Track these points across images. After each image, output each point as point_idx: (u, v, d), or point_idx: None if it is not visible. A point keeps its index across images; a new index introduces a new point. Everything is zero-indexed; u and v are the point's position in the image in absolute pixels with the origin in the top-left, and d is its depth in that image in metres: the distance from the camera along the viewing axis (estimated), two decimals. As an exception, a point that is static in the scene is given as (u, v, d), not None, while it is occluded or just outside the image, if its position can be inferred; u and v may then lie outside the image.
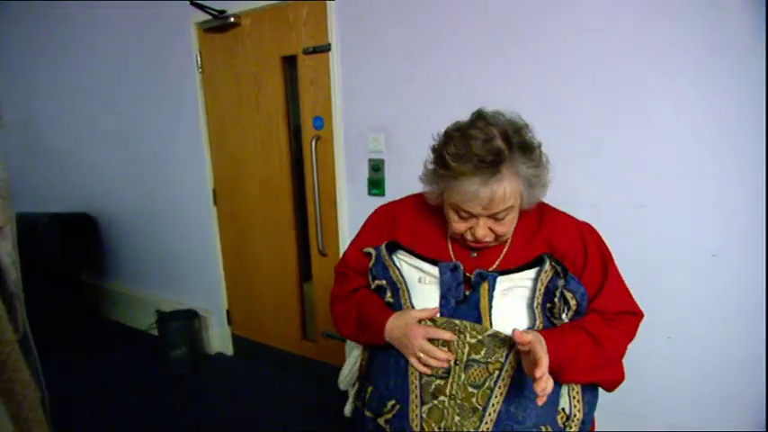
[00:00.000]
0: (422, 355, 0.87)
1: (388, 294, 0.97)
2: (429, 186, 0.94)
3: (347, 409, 1.10)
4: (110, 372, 2.63)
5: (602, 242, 0.96)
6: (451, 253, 0.97)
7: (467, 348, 0.87)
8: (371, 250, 1.01)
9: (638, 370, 1.35)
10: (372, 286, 1.00)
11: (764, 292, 1.22)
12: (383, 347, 0.96)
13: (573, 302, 0.89)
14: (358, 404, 1.02)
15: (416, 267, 0.96)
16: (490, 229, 0.89)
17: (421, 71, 1.73)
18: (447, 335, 0.87)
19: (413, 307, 0.93)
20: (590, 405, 0.93)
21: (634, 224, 1.41)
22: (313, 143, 2.05)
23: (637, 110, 1.34)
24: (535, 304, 0.88)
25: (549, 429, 0.88)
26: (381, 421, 0.93)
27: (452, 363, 0.88)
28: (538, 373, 0.76)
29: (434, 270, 0.93)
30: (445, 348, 0.88)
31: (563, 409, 0.91)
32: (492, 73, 1.60)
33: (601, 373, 0.88)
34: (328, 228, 2.15)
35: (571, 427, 0.90)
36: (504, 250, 0.95)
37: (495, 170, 0.82)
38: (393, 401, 0.92)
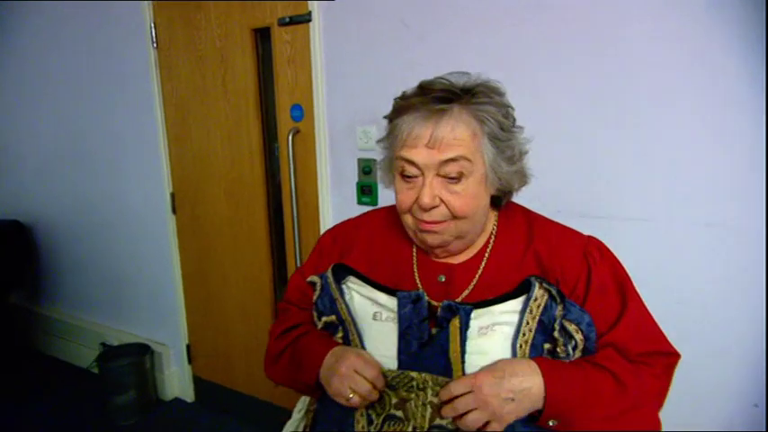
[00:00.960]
0: (348, 392, 0.85)
1: (339, 334, 0.95)
2: (384, 170, 0.95)
3: None
4: (38, 421, 2.59)
5: (617, 263, 0.93)
6: (417, 277, 0.95)
7: (428, 411, 0.82)
8: (316, 279, 0.99)
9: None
10: (319, 326, 0.98)
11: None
12: (330, 409, 0.93)
13: (578, 336, 0.84)
14: None
15: (370, 299, 0.93)
16: (441, 200, 0.86)
17: (423, 47, 1.70)
18: (378, 380, 0.85)
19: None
20: None
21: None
22: (290, 138, 2.02)
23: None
24: (519, 344, 0.83)
25: None
26: None
27: (409, 429, 0.84)
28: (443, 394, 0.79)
29: (392, 302, 0.90)
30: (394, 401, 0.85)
31: None
32: (515, 46, 1.54)
33: (626, 420, 0.81)
34: (309, 244, 2.10)
35: None
36: (480, 269, 0.92)
37: (444, 105, 0.84)
38: None
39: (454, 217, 0.87)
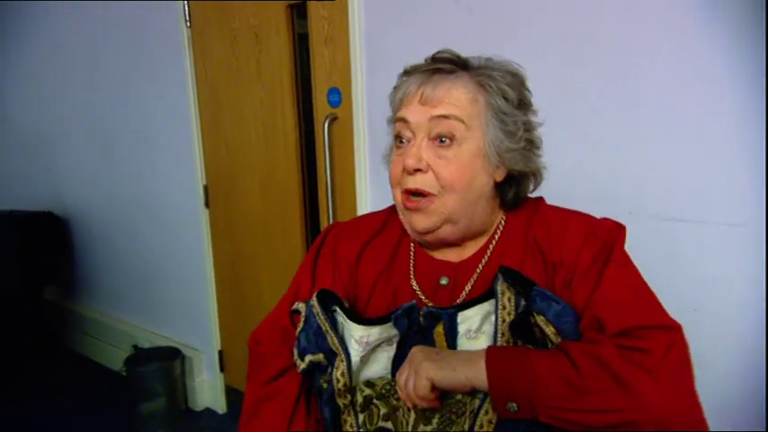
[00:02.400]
0: None
1: (324, 377, 0.91)
2: (386, 153, 0.99)
3: None
4: (64, 421, 2.72)
5: (619, 242, 0.88)
6: (415, 283, 0.94)
7: (413, 417, 0.83)
8: (302, 306, 0.95)
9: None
10: (301, 367, 0.92)
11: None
12: None
13: (549, 329, 0.81)
14: None
15: (357, 342, 0.89)
16: (429, 166, 0.87)
17: (472, 21, 1.64)
18: None
19: (350, 383, 0.88)
20: None
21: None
22: (326, 126, 2.00)
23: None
24: (499, 344, 0.83)
25: None
26: None
27: None
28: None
29: (386, 331, 0.88)
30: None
31: None
32: (570, 20, 1.46)
33: (591, 402, 0.74)
34: (346, 246, 2.07)
35: None
36: (480, 266, 0.92)
37: (448, 66, 0.89)
38: None
39: (442, 188, 0.87)
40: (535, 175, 0.95)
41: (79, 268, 3.38)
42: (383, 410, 0.86)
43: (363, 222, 1.08)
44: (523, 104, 0.92)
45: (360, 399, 0.87)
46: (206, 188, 2.57)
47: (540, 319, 0.81)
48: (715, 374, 1.44)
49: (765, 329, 1.38)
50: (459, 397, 0.82)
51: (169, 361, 2.72)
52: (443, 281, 0.93)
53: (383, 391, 0.87)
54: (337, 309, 0.93)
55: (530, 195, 1.00)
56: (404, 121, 0.89)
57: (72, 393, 3.00)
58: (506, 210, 0.97)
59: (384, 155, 1.00)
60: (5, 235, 3.04)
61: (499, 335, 0.83)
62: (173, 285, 2.88)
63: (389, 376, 0.88)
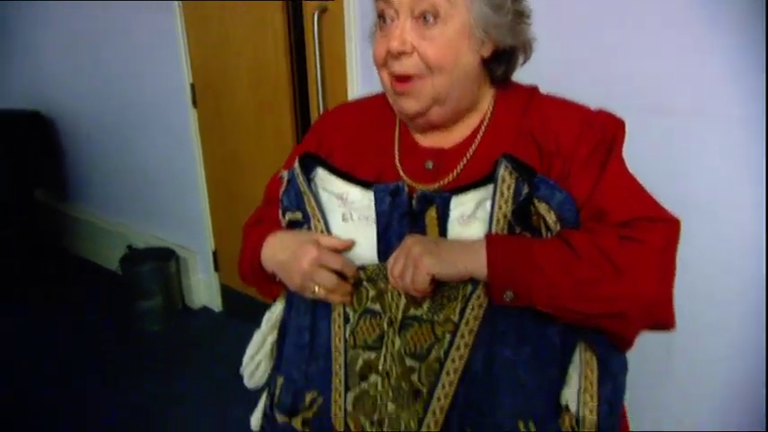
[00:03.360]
0: (315, 288, 0.86)
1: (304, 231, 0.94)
2: (370, 37, 0.94)
3: (254, 422, 1.08)
4: (63, 321, 2.79)
5: (619, 136, 0.87)
6: (399, 166, 0.93)
7: (403, 301, 0.83)
8: (284, 173, 0.99)
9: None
10: (283, 224, 0.98)
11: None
12: (297, 316, 0.95)
13: (551, 217, 0.81)
14: (267, 408, 1.01)
15: (338, 198, 0.92)
16: (414, 47, 0.84)
17: None
18: (347, 268, 0.86)
19: None
20: (610, 404, 0.83)
21: None
22: (315, 18, 1.92)
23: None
24: (493, 231, 0.81)
25: (534, 429, 0.81)
26: (297, 423, 0.92)
27: (385, 324, 0.85)
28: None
29: (367, 198, 0.89)
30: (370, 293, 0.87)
31: (566, 406, 0.83)
32: None
33: (588, 290, 0.76)
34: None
35: None
36: (470, 151, 0.90)
37: None
38: (313, 393, 0.91)
39: (429, 69, 0.84)
40: (525, 47, 0.91)
41: (68, 170, 3.34)
42: (372, 293, 0.86)
43: (351, 106, 1.08)
44: None
45: (351, 281, 0.87)
46: (193, 87, 2.51)
47: (542, 207, 0.81)
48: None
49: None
50: (451, 283, 0.82)
51: (164, 261, 2.75)
52: (429, 165, 0.91)
53: (372, 275, 0.86)
54: (318, 172, 0.94)
55: (523, 84, 0.97)
56: (386, 1, 0.85)
57: (70, 293, 3.06)
58: (497, 88, 0.94)
59: (369, 34, 0.95)
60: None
61: (494, 222, 0.81)
62: (164, 186, 2.86)
63: (374, 257, 0.87)
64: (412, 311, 0.83)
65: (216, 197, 2.66)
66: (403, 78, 0.86)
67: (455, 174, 0.89)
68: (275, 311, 1.05)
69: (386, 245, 0.86)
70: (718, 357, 1.48)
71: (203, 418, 2.13)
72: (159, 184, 2.88)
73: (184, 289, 2.88)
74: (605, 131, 0.86)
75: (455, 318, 0.81)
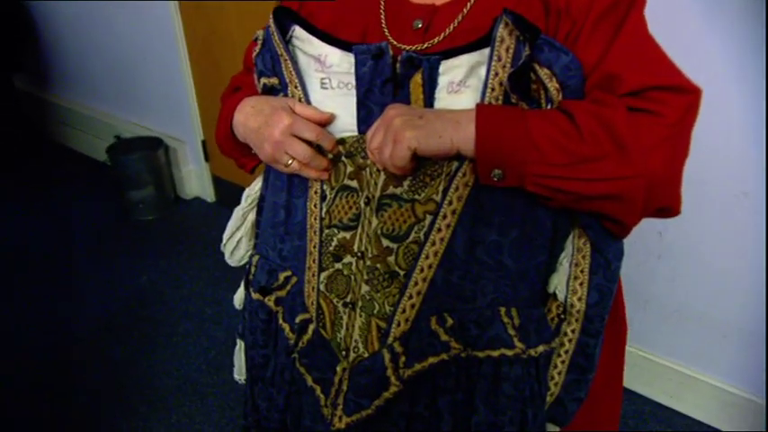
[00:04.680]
0: (288, 160, 0.80)
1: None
2: None
3: (237, 300, 1.06)
4: (54, 213, 2.75)
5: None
6: (384, 25, 0.81)
7: (382, 178, 0.76)
8: (260, 32, 0.87)
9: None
10: (259, 89, 0.88)
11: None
12: (272, 193, 0.89)
13: (552, 84, 0.70)
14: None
15: (317, 60, 0.80)
16: None
17: None
18: (324, 139, 0.79)
19: None
20: (601, 292, 0.78)
21: None
22: None
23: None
24: (488, 101, 0.71)
25: (517, 318, 0.77)
26: (271, 302, 0.90)
27: (362, 203, 0.78)
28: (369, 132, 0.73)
29: (347, 62, 0.78)
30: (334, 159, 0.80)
31: (554, 294, 0.79)
32: None
33: (587, 170, 0.67)
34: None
35: (570, 324, 0.79)
36: (467, 7, 0.77)
37: None
38: (287, 272, 0.88)
39: None
40: None
41: (49, 56, 3.17)
42: (349, 168, 0.79)
43: None
44: None
45: (329, 155, 0.80)
46: (170, -40, 2.31)
47: (543, 73, 0.70)
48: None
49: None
50: (435, 160, 0.74)
51: (152, 150, 2.67)
52: (417, 24, 0.79)
53: (351, 149, 0.79)
54: (295, 30, 0.83)
55: None
56: None
57: (60, 183, 3.00)
58: None
59: None
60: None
61: (488, 90, 0.71)
62: (149, 73, 2.72)
63: (356, 131, 0.78)
64: (391, 190, 0.76)
65: (202, 85, 2.53)
66: None
67: (446, 33, 0.77)
68: (255, 188, 0.99)
69: (366, 114, 0.77)
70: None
71: (198, 301, 2.15)
72: (144, 72, 2.74)
73: (176, 180, 2.82)
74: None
75: (437, 197, 0.74)
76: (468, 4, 0.77)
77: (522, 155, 0.67)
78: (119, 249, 2.49)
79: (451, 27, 0.76)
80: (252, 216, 1.00)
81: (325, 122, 0.79)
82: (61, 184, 2.99)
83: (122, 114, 2.98)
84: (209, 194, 2.81)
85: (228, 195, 2.70)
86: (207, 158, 2.71)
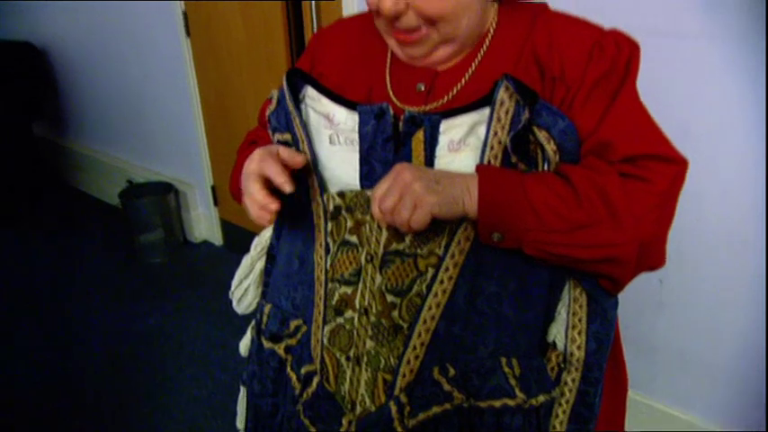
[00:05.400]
0: (248, 201, 0.81)
1: None
2: None
3: (242, 347, 1.07)
4: (67, 254, 2.78)
5: (634, 64, 0.76)
6: (389, 87, 0.84)
7: (384, 235, 0.77)
8: (274, 92, 0.92)
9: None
10: (273, 143, 0.90)
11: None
12: (288, 243, 0.91)
13: (550, 146, 0.73)
14: (254, 334, 0.99)
15: (325, 117, 0.85)
16: (407, 4, 0.74)
17: None
18: (279, 178, 0.77)
19: (319, 178, 0.83)
20: (598, 339, 0.79)
21: None
22: (308, -63, 1.78)
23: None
24: (487, 159, 0.74)
25: (517, 368, 0.78)
26: (281, 349, 0.91)
27: (363, 259, 0.79)
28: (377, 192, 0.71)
29: (352, 120, 0.81)
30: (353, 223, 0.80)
31: (553, 343, 0.81)
32: None
33: (583, 236, 0.70)
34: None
35: (570, 373, 0.79)
36: (468, 73, 0.80)
37: None
38: (298, 321, 0.90)
39: (431, 21, 0.75)
40: None
41: (66, 103, 3.26)
42: (349, 223, 0.81)
43: (345, 22, 0.99)
44: None
45: (331, 207, 0.82)
46: (185, 15, 2.39)
47: (541, 135, 0.73)
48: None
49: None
50: None
51: (163, 194, 2.71)
52: (420, 87, 0.83)
53: (351, 204, 0.81)
54: (307, 90, 0.87)
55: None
56: None
57: (72, 226, 3.04)
58: (501, 2, 0.83)
59: None
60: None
61: (488, 148, 0.73)
62: (161, 120, 2.78)
63: (358, 186, 0.81)
64: (394, 246, 0.77)
65: (213, 133, 2.58)
66: (406, 30, 0.77)
67: (449, 97, 0.81)
68: (264, 237, 1.01)
69: (368, 171, 0.80)
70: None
71: (204, 344, 2.14)
72: (156, 118, 2.80)
73: (185, 223, 2.86)
74: (618, 57, 0.76)
75: (440, 251, 0.75)
76: (470, 71, 0.81)
77: (521, 222, 0.70)
78: (127, 292, 2.50)
79: (454, 91, 0.80)
80: (260, 264, 1.01)
81: (299, 165, 0.80)
82: (73, 227, 3.04)
83: (135, 159, 3.04)
84: (216, 238, 2.83)
85: (236, 239, 2.72)
86: (216, 203, 2.75)
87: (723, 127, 1.30)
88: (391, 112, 0.79)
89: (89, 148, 3.26)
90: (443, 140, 0.76)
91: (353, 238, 0.80)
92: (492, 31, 0.82)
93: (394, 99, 0.83)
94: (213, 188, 2.72)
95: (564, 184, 0.70)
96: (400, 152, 0.78)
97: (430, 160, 0.76)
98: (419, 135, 0.76)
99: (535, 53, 0.78)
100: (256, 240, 1.02)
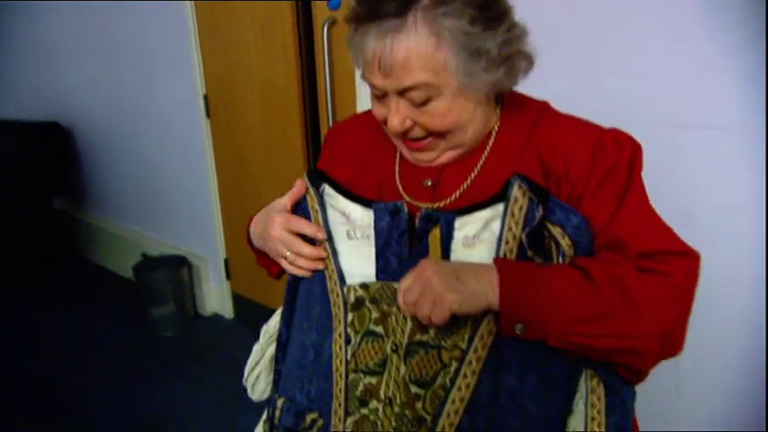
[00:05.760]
0: (286, 252, 0.89)
1: None
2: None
3: None
4: (80, 327, 2.79)
5: (637, 161, 0.81)
6: (399, 183, 0.90)
7: (408, 326, 0.78)
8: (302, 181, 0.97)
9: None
10: None
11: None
12: (300, 334, 0.93)
13: (565, 241, 0.76)
14: (266, 429, 0.98)
15: (343, 214, 0.89)
16: (414, 121, 0.81)
17: None
18: (310, 228, 0.88)
19: (341, 274, 0.87)
20: (618, 430, 0.79)
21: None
22: (325, 30, 1.89)
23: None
24: (503, 253, 0.77)
25: None
26: None
27: (389, 348, 0.80)
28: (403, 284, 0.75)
29: (368, 216, 0.86)
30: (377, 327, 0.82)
31: None
32: None
33: (605, 326, 0.72)
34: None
35: None
36: (474, 172, 0.86)
37: (397, 16, 0.74)
38: (314, 414, 0.88)
39: (435, 135, 0.82)
40: (528, 61, 0.83)
41: (86, 178, 3.35)
42: (374, 314, 0.82)
43: (359, 118, 1.06)
44: (492, 20, 0.77)
45: (352, 298, 0.84)
46: (206, 98, 2.50)
47: (556, 231, 0.76)
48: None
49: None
50: None
51: (176, 268, 2.75)
52: (427, 182, 0.88)
53: (376, 296, 0.82)
54: (325, 189, 0.92)
55: (533, 98, 0.91)
56: (373, 86, 0.81)
57: (86, 298, 3.06)
58: (503, 103, 0.89)
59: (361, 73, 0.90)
60: (12, 144, 2.99)
61: (503, 242, 0.77)
62: (178, 195, 2.85)
63: (373, 276, 0.83)
64: (418, 337, 0.78)
65: (228, 207, 2.64)
66: (415, 140, 0.84)
67: (457, 195, 0.85)
68: (272, 323, 1.03)
69: (384, 264, 0.83)
70: (718, 357, 1.47)
71: (212, 423, 2.10)
72: (173, 194, 2.88)
73: (197, 296, 2.87)
74: (620, 156, 0.80)
75: (463, 345, 0.77)
76: (476, 170, 0.86)
77: (543, 312, 0.72)
78: (138, 366, 2.49)
79: (462, 188, 0.85)
80: (271, 350, 1.02)
81: (317, 238, 0.88)
82: (87, 299, 3.05)
83: (150, 232, 3.09)
84: (227, 311, 2.84)
85: (247, 312, 2.73)
86: (228, 276, 2.78)
87: (723, 209, 1.34)
88: (405, 209, 0.83)
89: (106, 220, 3.33)
90: (458, 236, 0.80)
91: (379, 329, 0.81)
92: (496, 130, 0.87)
93: (403, 194, 0.88)
94: (226, 261, 2.75)
95: (582, 276, 0.73)
96: (416, 247, 0.81)
97: (446, 255, 0.79)
98: (435, 232, 0.80)
99: (538, 153, 0.82)
100: (264, 328, 1.04)
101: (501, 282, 0.73)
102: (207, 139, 2.57)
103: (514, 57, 0.80)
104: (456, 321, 0.76)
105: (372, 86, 0.81)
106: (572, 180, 0.79)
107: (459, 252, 0.79)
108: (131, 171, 3.05)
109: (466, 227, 0.80)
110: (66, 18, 3.00)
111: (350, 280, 0.85)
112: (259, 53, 2.22)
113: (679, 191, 1.33)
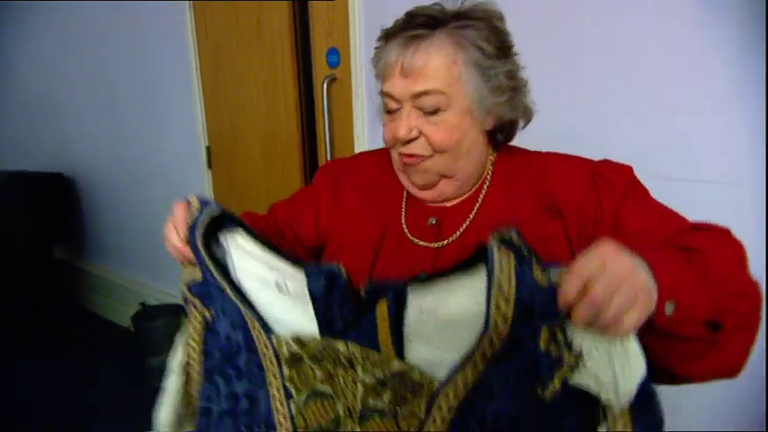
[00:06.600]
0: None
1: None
2: (379, 110, 0.98)
3: None
4: (77, 377, 2.76)
5: (634, 181, 0.87)
6: (404, 222, 0.95)
7: (360, 390, 0.71)
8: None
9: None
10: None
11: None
12: (225, 380, 0.83)
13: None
14: None
15: (267, 264, 0.79)
16: (420, 132, 0.87)
17: None
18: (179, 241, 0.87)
19: (263, 323, 0.77)
20: None
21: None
22: (325, 86, 1.95)
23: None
24: (490, 338, 0.63)
25: None
26: None
27: (341, 411, 0.73)
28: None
29: (299, 273, 0.74)
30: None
31: None
32: None
33: (720, 290, 0.67)
34: (346, 206, 2.05)
35: None
36: (473, 211, 0.92)
37: (424, 31, 0.84)
38: None
39: (436, 151, 0.88)
40: (525, 114, 0.94)
41: (87, 227, 3.37)
42: (318, 373, 0.74)
43: (367, 154, 1.12)
44: (503, 50, 0.88)
45: (285, 352, 0.75)
46: (208, 149, 2.54)
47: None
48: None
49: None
50: (416, 376, 0.68)
51: (175, 317, 2.73)
52: (432, 221, 0.93)
53: (317, 354, 0.73)
54: (237, 232, 0.86)
55: (527, 148, 0.99)
56: (389, 94, 0.89)
57: (84, 348, 3.02)
58: (498, 150, 0.97)
59: (377, 110, 0.98)
60: (16, 195, 3.02)
61: (490, 325, 0.59)
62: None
63: (306, 325, 0.74)
64: (371, 402, 0.71)
65: (227, 255, 2.66)
66: (411, 155, 0.90)
67: (460, 232, 0.90)
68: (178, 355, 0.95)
69: (327, 324, 0.73)
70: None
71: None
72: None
73: (194, 345, 2.85)
74: (620, 175, 0.86)
75: (420, 413, 0.68)
76: (474, 209, 0.91)
77: (693, 287, 0.65)
78: (134, 417, 2.44)
79: (464, 227, 0.90)
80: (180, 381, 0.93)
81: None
82: (84, 348, 3.01)
83: (149, 281, 3.08)
84: (225, 361, 2.81)
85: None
86: (226, 325, 2.76)
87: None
88: (344, 276, 0.71)
89: (105, 269, 3.32)
90: (415, 307, 0.68)
91: (326, 388, 0.74)
92: (490, 173, 0.94)
93: (408, 233, 0.93)
94: (224, 311, 2.75)
95: (687, 253, 0.70)
96: (361, 321, 0.71)
97: (395, 331, 0.69)
98: (382, 306, 0.69)
99: (539, 192, 0.88)
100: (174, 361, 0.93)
101: (648, 261, 0.61)
102: (208, 190, 2.60)
103: (517, 90, 0.89)
104: (411, 387, 0.68)
105: (388, 97, 0.88)
106: (573, 211, 0.84)
107: (416, 324, 0.68)
108: (132, 220, 3.07)
109: (426, 297, 0.66)
110: (71, 70, 3.09)
111: (277, 326, 0.76)
112: (261, 107, 2.28)
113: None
